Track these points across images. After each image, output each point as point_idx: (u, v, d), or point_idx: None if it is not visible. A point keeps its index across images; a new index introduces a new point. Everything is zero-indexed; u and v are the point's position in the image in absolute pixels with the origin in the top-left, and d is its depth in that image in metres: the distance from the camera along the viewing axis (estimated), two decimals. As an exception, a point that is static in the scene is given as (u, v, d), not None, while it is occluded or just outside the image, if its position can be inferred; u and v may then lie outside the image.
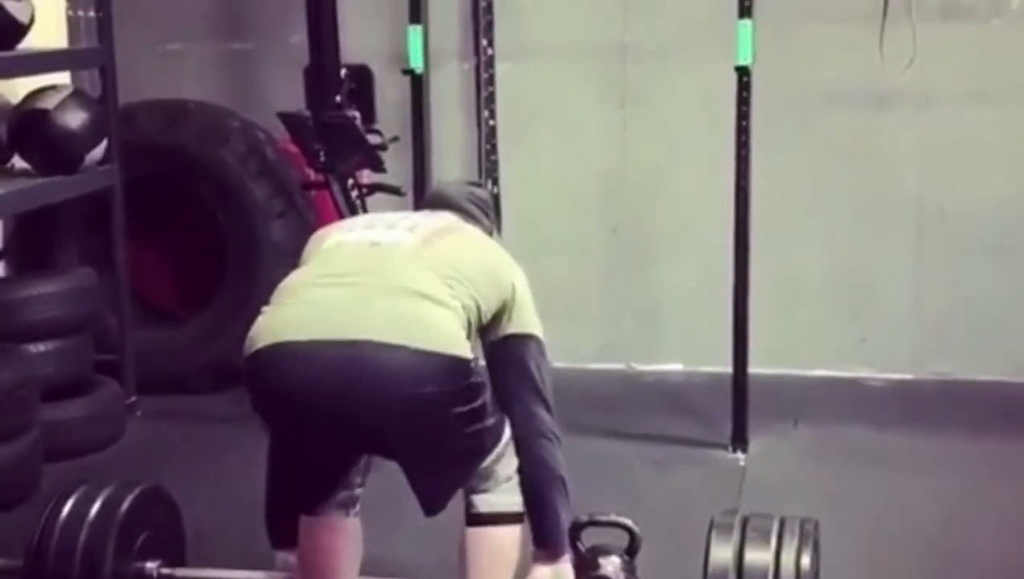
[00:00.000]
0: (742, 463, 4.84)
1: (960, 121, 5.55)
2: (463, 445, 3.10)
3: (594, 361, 5.85)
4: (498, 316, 3.20)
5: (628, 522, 3.41)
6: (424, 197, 3.65)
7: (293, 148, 5.48)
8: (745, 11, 4.72)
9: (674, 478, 4.74)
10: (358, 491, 3.33)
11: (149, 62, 5.97)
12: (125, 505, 3.45)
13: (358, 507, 3.35)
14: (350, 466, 3.24)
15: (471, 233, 3.34)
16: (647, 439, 5.07)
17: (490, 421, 3.13)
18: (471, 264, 3.16)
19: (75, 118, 4.91)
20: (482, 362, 3.20)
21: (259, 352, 3.01)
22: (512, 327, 3.22)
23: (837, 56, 5.52)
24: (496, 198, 5.18)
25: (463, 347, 2.99)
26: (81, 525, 3.39)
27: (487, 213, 3.51)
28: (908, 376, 5.67)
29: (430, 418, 2.99)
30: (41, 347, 4.90)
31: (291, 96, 5.36)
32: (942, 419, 5.26)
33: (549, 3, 5.78)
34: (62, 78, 5.45)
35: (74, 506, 3.44)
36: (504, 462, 3.23)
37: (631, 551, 3.39)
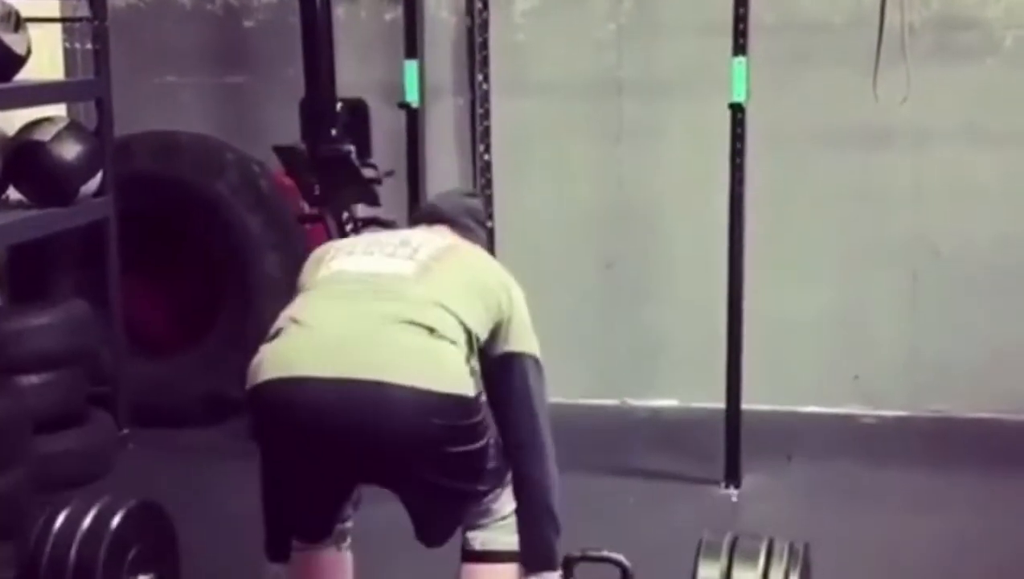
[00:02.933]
0: (735, 499, 4.83)
1: (955, 160, 5.56)
2: (461, 485, 3.10)
3: (588, 396, 5.84)
4: (494, 335, 3.21)
5: (620, 558, 3.41)
6: (419, 209, 3.66)
7: (288, 181, 5.49)
8: (739, 49, 4.73)
9: (667, 514, 4.73)
10: (349, 524, 3.33)
11: (144, 95, 5.98)
12: (117, 518, 3.49)
13: (349, 541, 3.34)
14: (347, 496, 3.24)
15: (468, 252, 3.34)
16: (640, 475, 5.06)
17: (491, 464, 3.14)
18: (469, 288, 3.17)
19: (70, 150, 4.91)
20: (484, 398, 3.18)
21: (266, 383, 3.00)
22: (508, 345, 3.23)
23: (831, 95, 5.53)
24: (490, 233, 5.18)
25: (467, 385, 3.00)
26: (73, 538, 3.44)
27: (482, 224, 3.58)
28: (902, 413, 5.67)
29: (431, 453, 2.99)
30: (34, 379, 4.89)
31: (286, 129, 5.37)
32: (936, 456, 5.26)
33: (545, 39, 5.80)
34: (58, 110, 5.46)
35: (66, 519, 3.48)
36: (502, 500, 3.23)
37: (623, 587, 3.39)
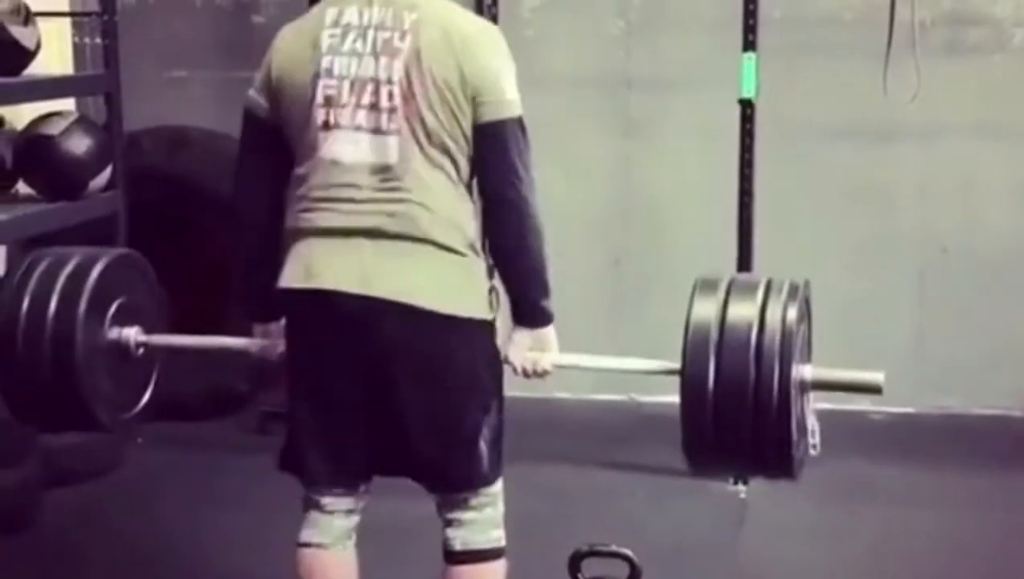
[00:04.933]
0: (743, 496, 4.83)
1: (963, 156, 5.57)
2: (468, 404, 3.12)
3: (595, 392, 5.84)
4: (474, 105, 3.11)
5: (628, 553, 3.41)
6: None
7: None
8: (749, 45, 4.73)
9: (675, 510, 4.74)
10: (356, 519, 3.30)
11: (154, 89, 5.98)
12: (98, 269, 3.36)
13: (354, 538, 3.32)
14: (362, 430, 3.15)
15: (426, 50, 3.07)
16: (648, 471, 5.06)
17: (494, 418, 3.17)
18: (442, 107, 3.07)
19: (80, 144, 4.91)
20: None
21: (304, 292, 3.12)
22: (486, 115, 3.12)
23: (841, 90, 5.53)
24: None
25: (483, 309, 3.14)
26: (51, 293, 3.29)
27: None
28: (909, 410, 5.67)
29: (450, 350, 3.08)
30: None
31: (295, 124, 5.36)
32: (943, 453, 5.26)
33: (554, 34, 5.80)
34: (67, 104, 5.46)
35: (45, 270, 3.34)
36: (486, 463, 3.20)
37: (631, 582, 3.39)
